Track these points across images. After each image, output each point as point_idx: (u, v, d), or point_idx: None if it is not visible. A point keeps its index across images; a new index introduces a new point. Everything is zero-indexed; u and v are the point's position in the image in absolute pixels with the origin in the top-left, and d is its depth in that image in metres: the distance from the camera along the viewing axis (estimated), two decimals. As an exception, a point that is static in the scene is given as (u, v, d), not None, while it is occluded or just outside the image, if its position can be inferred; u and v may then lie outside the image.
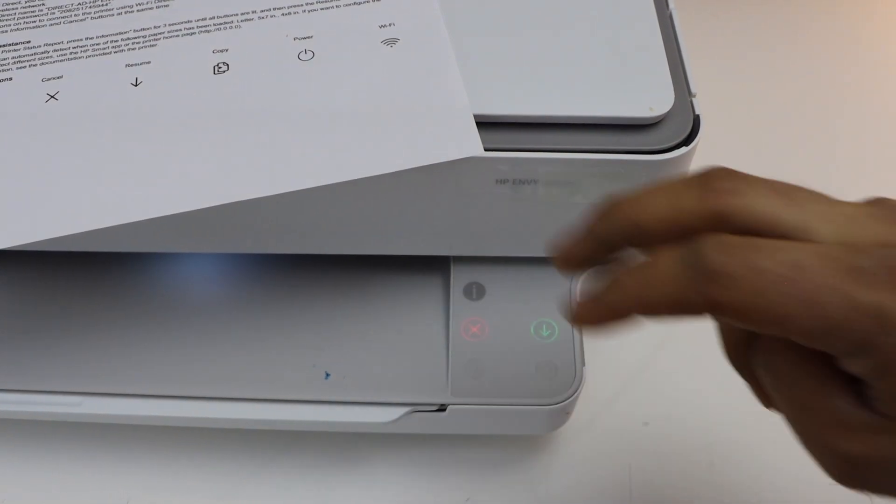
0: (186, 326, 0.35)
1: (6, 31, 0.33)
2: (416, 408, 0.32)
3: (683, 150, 0.29)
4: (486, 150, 0.28)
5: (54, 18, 0.33)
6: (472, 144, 0.28)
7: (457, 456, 0.37)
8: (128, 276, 0.36)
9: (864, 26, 0.57)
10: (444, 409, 0.32)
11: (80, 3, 0.34)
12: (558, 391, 0.32)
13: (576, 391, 0.32)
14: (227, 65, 0.31)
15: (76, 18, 0.33)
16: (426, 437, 0.37)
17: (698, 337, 0.40)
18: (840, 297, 0.19)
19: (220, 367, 0.33)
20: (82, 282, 0.36)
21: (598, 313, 0.22)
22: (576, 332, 0.34)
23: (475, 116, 0.29)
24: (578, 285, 0.36)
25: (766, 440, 0.37)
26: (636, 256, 0.22)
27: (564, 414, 0.33)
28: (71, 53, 0.32)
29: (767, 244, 0.20)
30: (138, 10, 0.33)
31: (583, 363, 0.33)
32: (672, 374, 0.39)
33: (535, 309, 0.34)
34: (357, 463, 0.37)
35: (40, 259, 0.37)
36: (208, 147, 0.28)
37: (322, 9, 0.33)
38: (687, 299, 0.20)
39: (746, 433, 0.37)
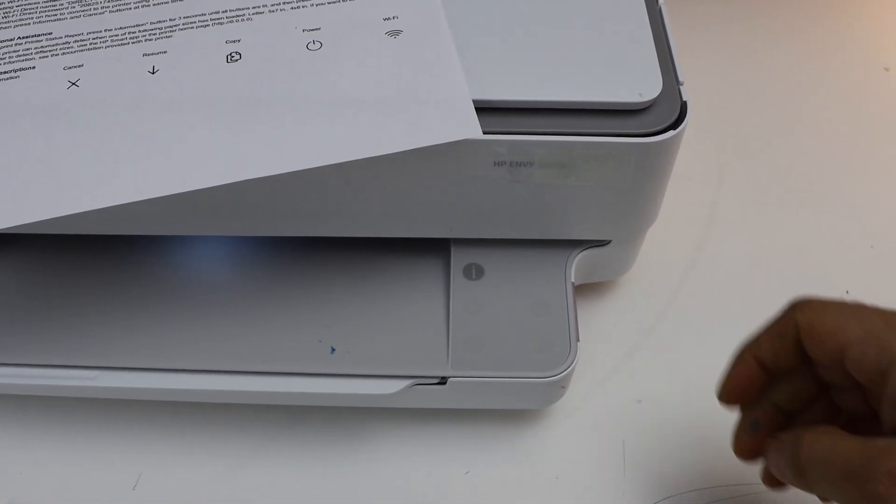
0: (199, 304, 0.36)
1: (29, 24, 0.35)
2: (418, 380, 0.34)
3: (671, 133, 0.31)
4: (484, 132, 0.30)
5: (74, 11, 0.35)
6: (471, 127, 0.30)
7: (456, 430, 0.38)
8: (142, 256, 0.38)
9: (853, 21, 0.59)
10: (444, 382, 0.34)
11: (99, -3, 0.35)
12: (554, 364, 0.34)
13: (570, 365, 0.34)
14: (240, 54, 0.32)
15: (95, 11, 0.35)
16: (427, 413, 0.38)
17: (692, 317, 0.42)
18: (882, 319, 0.26)
19: (231, 342, 0.35)
20: (99, 262, 0.38)
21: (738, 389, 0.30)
22: (570, 310, 0.35)
23: (474, 101, 0.30)
24: (573, 269, 0.37)
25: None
26: None
27: (560, 388, 0.35)
28: (91, 44, 0.33)
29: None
30: (154, 4, 0.35)
31: (577, 339, 0.35)
32: (665, 353, 0.41)
33: (532, 288, 0.36)
34: (360, 438, 0.38)
35: (59, 241, 0.39)
36: (222, 129, 0.30)
37: (329, 2, 0.34)
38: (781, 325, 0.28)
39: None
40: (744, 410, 0.31)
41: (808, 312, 0.28)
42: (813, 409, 0.30)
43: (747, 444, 0.30)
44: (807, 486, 0.26)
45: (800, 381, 0.30)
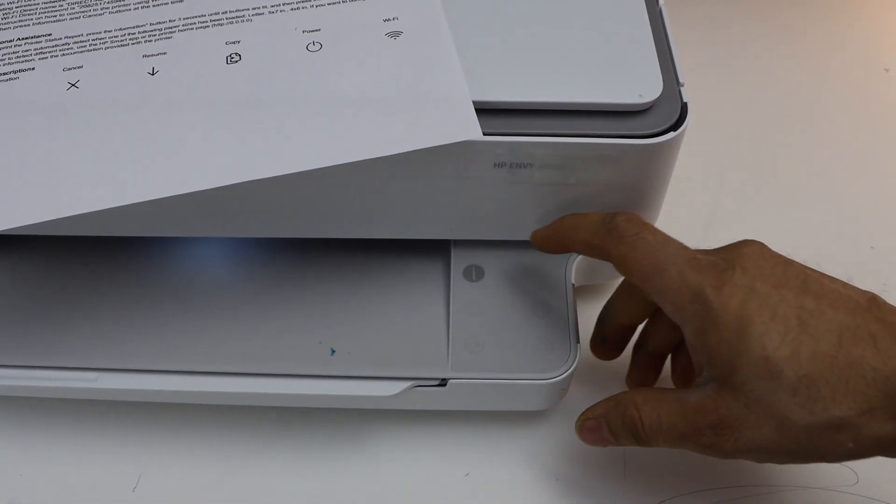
0: (199, 306, 0.36)
1: (28, 25, 0.35)
2: (419, 382, 0.34)
3: (672, 134, 0.31)
4: (484, 134, 0.30)
5: (74, 13, 0.35)
6: (471, 128, 0.30)
7: (457, 432, 0.38)
8: (142, 257, 0.38)
9: (853, 22, 0.59)
10: (444, 384, 0.34)
11: (99, -2, 0.35)
12: (554, 366, 0.34)
13: (571, 366, 0.34)
14: (240, 55, 0.32)
15: (95, 13, 0.35)
16: (427, 415, 0.38)
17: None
18: (677, 272, 0.29)
19: (231, 344, 0.35)
20: (99, 263, 0.38)
21: (545, 236, 0.34)
22: (570, 312, 0.35)
23: (475, 103, 0.30)
24: (573, 271, 0.37)
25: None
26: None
27: (560, 390, 0.35)
28: (90, 45, 0.33)
29: (655, 229, 0.30)
30: (154, 5, 0.35)
31: (577, 340, 0.35)
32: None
33: (532, 289, 0.36)
34: (360, 439, 0.38)
35: (59, 242, 0.39)
36: (222, 130, 0.30)
37: (329, 3, 0.34)
38: (594, 244, 0.31)
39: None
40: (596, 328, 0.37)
41: (619, 247, 0.30)
42: (656, 326, 0.35)
43: (600, 353, 0.37)
44: (645, 446, 0.30)
45: (635, 302, 0.35)
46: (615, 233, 0.30)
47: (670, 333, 0.35)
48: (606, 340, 0.37)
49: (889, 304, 0.28)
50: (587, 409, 0.32)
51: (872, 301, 0.28)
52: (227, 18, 0.34)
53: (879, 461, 0.27)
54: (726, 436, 0.27)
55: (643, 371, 0.37)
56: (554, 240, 0.34)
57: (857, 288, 0.28)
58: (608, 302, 0.36)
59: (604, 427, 0.31)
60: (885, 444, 0.26)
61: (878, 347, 0.26)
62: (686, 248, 0.30)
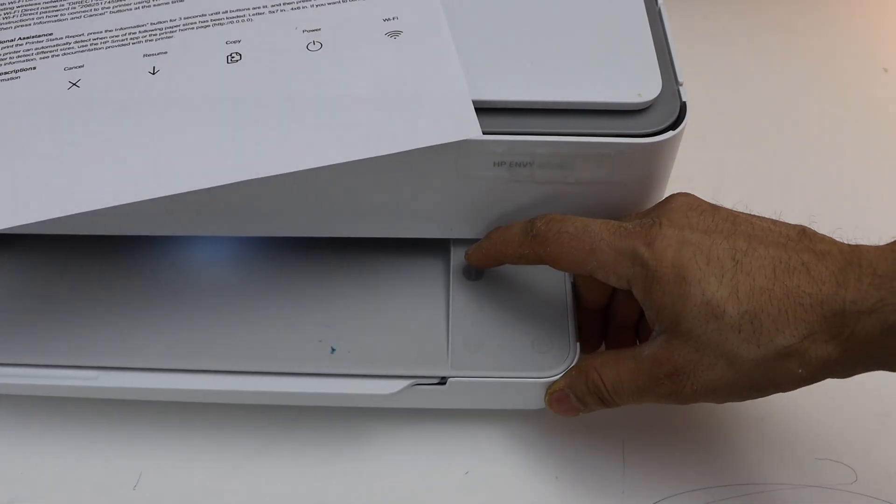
0: (199, 305, 0.36)
1: (29, 25, 0.35)
2: (418, 380, 0.34)
3: (671, 133, 0.31)
4: (484, 133, 0.30)
5: (75, 12, 0.35)
6: (471, 127, 0.30)
7: (456, 430, 0.38)
8: (142, 256, 0.38)
9: (852, 21, 0.59)
10: (444, 382, 0.34)
11: (99, -2, 0.36)
12: (554, 365, 0.34)
13: (570, 365, 0.34)
14: (240, 55, 0.33)
15: (96, 12, 0.35)
16: (427, 414, 0.38)
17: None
18: (607, 245, 0.30)
19: (231, 342, 0.35)
20: (99, 262, 0.38)
21: (477, 255, 0.35)
22: (570, 311, 0.35)
23: (474, 102, 0.30)
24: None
25: (755, 417, 0.38)
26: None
27: (559, 388, 0.35)
28: (91, 45, 0.34)
29: (573, 218, 0.31)
30: (155, 5, 0.35)
31: (577, 339, 0.35)
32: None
33: (531, 288, 0.36)
34: (360, 438, 0.38)
35: (59, 241, 0.39)
36: (223, 129, 0.30)
37: (329, 3, 0.35)
38: (524, 253, 0.32)
39: (735, 411, 0.38)
40: None
41: (547, 249, 0.31)
42: (617, 300, 0.35)
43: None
44: (612, 406, 0.32)
45: (590, 289, 0.35)
46: (539, 237, 0.31)
47: (628, 303, 0.35)
48: (580, 329, 0.37)
49: (819, 234, 0.29)
50: (553, 383, 0.33)
51: (802, 233, 0.29)
52: (227, 18, 0.34)
53: (875, 457, 0.28)
54: (682, 382, 0.29)
55: (617, 346, 0.36)
56: (487, 256, 0.34)
57: (787, 223, 0.30)
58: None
59: (571, 396, 0.33)
60: (831, 366, 0.28)
61: (811, 275, 0.27)
62: (609, 221, 0.31)
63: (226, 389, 0.34)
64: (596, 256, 0.30)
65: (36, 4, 0.35)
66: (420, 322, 0.35)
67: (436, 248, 0.38)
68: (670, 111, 0.32)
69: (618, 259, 0.29)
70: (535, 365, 0.34)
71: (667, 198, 0.32)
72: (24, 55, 0.33)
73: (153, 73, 0.32)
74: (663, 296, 0.28)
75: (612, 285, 0.31)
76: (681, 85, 0.33)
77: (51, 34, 0.34)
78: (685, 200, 0.31)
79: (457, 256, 0.37)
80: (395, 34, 0.33)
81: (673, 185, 0.36)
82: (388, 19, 0.34)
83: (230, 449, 0.38)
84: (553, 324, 0.35)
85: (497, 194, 0.33)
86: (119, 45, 0.33)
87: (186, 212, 0.33)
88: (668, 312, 0.29)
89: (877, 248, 0.28)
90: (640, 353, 0.30)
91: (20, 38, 0.34)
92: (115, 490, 0.36)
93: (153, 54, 0.33)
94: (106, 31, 0.34)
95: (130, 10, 0.35)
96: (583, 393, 0.32)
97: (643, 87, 0.31)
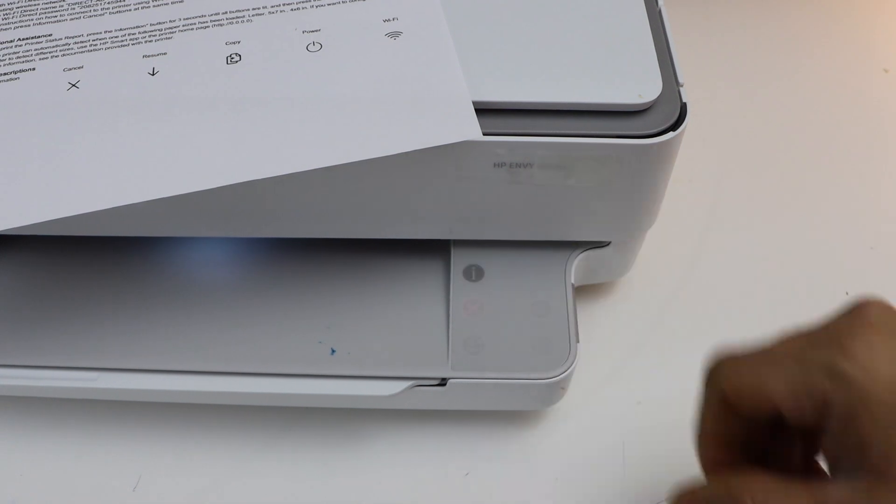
0: (199, 306, 0.36)
1: (28, 25, 0.35)
2: (418, 382, 0.34)
3: (671, 135, 0.31)
4: (484, 134, 0.30)
5: (74, 13, 0.35)
6: (471, 128, 0.30)
7: (456, 431, 0.38)
8: (142, 257, 0.38)
9: (853, 23, 0.59)
10: (444, 384, 0.34)
11: (99, -1, 0.35)
12: (554, 366, 0.34)
13: (570, 366, 0.34)
14: (240, 55, 0.33)
15: (95, 13, 0.35)
16: (427, 415, 0.38)
17: (691, 319, 0.42)
18: (796, 361, 0.24)
19: (231, 343, 0.35)
20: (99, 263, 0.38)
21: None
22: (570, 312, 0.35)
23: (474, 103, 0.30)
24: (573, 271, 0.37)
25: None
26: None
27: (560, 389, 0.35)
28: (91, 45, 0.33)
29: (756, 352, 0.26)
30: (154, 6, 0.35)
31: (577, 340, 0.35)
32: (665, 354, 0.41)
33: (531, 289, 0.36)
34: (359, 439, 0.38)
35: (59, 242, 0.39)
36: (223, 130, 0.30)
37: (329, 4, 0.35)
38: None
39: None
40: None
41: (726, 381, 0.26)
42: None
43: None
44: None
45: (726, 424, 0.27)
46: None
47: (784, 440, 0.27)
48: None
49: None
50: (685, 487, 0.26)
51: None
52: (227, 19, 0.34)
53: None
54: None
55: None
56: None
57: None
58: (698, 436, 0.29)
59: None
60: None
61: None
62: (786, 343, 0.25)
63: (226, 391, 0.34)
64: (785, 383, 0.23)
65: (35, 5, 0.35)
66: (420, 323, 0.35)
67: (436, 248, 0.38)
68: (671, 112, 0.32)
69: (801, 379, 0.23)
70: (536, 366, 0.34)
71: (845, 308, 0.25)
72: (24, 56, 0.33)
73: (153, 74, 0.32)
74: (874, 427, 0.22)
75: (790, 419, 0.24)
76: (681, 86, 0.32)
77: (50, 35, 0.34)
78: (877, 304, 0.24)
79: (457, 257, 0.37)
80: (395, 35, 0.33)
81: (673, 185, 0.36)
82: (388, 20, 0.34)
83: (230, 450, 0.38)
84: (553, 325, 0.35)
85: (497, 195, 0.33)
86: (118, 46, 0.33)
87: (185, 213, 0.33)
88: (880, 450, 0.22)
89: None
90: (825, 494, 0.22)
91: (19, 39, 0.34)
92: (115, 491, 0.36)
93: (153, 55, 0.33)
94: (105, 32, 0.34)
95: (130, 10, 0.35)
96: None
97: (644, 87, 0.31)
